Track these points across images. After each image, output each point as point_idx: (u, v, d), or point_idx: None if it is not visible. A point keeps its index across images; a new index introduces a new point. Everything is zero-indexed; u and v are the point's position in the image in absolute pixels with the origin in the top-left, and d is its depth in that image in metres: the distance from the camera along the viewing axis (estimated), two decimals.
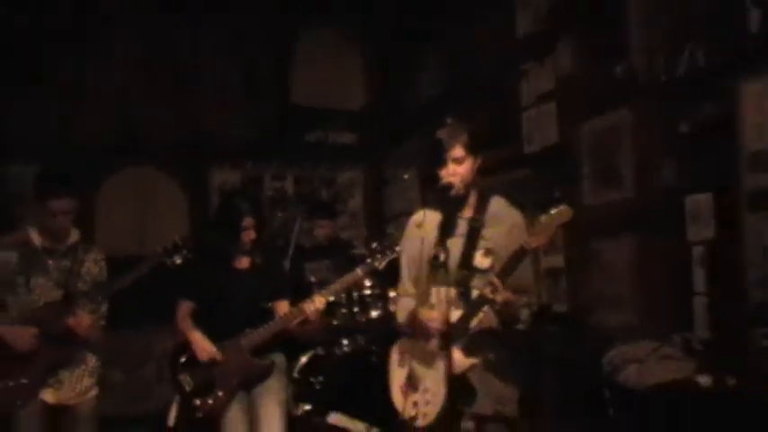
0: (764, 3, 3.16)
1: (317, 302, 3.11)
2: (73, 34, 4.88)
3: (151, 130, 5.08)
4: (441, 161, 2.50)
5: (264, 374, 3.21)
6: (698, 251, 3.41)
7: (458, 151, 2.49)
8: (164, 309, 3.28)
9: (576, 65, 4.17)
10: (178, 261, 3.11)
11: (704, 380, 3.09)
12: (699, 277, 3.43)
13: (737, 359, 3.18)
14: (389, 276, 3.62)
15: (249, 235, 3.23)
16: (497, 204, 2.61)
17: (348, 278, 3.16)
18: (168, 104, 5.15)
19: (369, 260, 3.14)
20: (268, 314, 3.25)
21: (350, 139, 6.06)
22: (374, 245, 3.18)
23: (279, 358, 3.29)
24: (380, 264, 3.13)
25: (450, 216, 2.55)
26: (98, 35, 4.96)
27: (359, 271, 3.12)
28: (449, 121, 2.56)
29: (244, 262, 3.32)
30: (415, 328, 2.52)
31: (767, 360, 3.08)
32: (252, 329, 3.19)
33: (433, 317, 2.44)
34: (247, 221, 3.20)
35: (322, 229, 4.79)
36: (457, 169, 2.50)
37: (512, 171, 4.53)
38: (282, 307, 3.26)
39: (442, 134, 2.51)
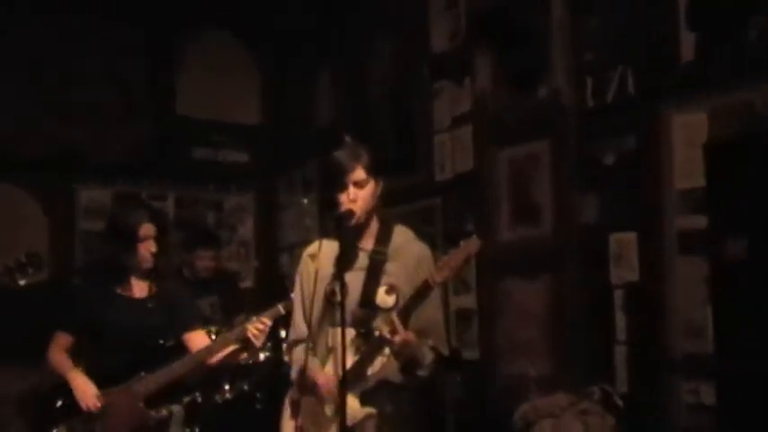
0: (700, 27, 3.16)
1: (258, 324, 2.86)
2: None
3: (17, 146, 5.02)
4: (340, 185, 2.49)
5: (159, 430, 2.95)
6: (620, 295, 3.44)
7: (358, 173, 2.49)
8: (31, 341, 3.05)
9: (495, 86, 4.20)
10: (22, 282, 2.78)
11: None
12: (620, 324, 3.43)
13: (660, 415, 3.21)
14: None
15: (148, 247, 2.95)
16: (402, 235, 2.61)
17: (272, 313, 2.92)
18: (36, 119, 5.12)
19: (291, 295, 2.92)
20: (170, 352, 2.98)
21: (242, 157, 6.08)
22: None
23: (177, 410, 3.02)
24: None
25: (350, 247, 2.52)
26: None
27: (281, 307, 2.90)
28: (348, 140, 2.60)
29: (140, 287, 3.03)
30: (307, 387, 2.48)
31: (692, 417, 3.10)
32: (148, 372, 2.91)
33: (322, 380, 2.45)
34: (146, 230, 2.94)
35: (202, 261, 4.70)
36: (357, 193, 2.49)
37: (420, 200, 4.58)
38: (198, 339, 3.02)
39: (340, 155, 2.51)
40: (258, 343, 2.91)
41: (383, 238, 2.59)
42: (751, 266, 2.46)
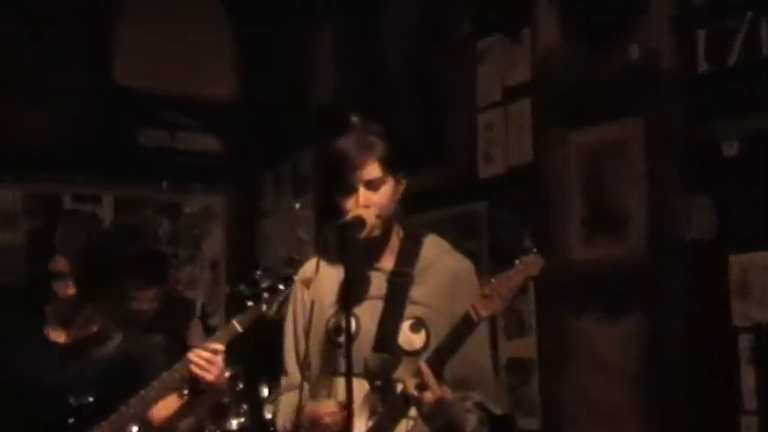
0: None
1: (202, 352, 2.95)
2: None
3: None
4: (345, 186, 2.55)
5: None
6: (747, 342, 3.36)
7: (371, 170, 2.54)
8: None
9: (565, 43, 4.19)
10: None
11: None
12: (748, 383, 3.35)
13: None
14: (262, 365, 3.76)
15: (63, 289, 3.08)
16: (434, 249, 2.67)
17: (220, 337, 3.03)
18: None
19: (250, 304, 3.06)
20: (93, 411, 3.07)
21: (209, 144, 6.15)
22: (257, 276, 3.13)
23: None
24: (271, 310, 3.06)
25: (360, 269, 2.57)
26: None
27: (236, 324, 3.02)
28: (355, 121, 2.63)
29: (58, 331, 3.17)
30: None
31: None
32: None
33: (328, 411, 2.47)
34: (58, 265, 3.07)
35: (137, 302, 4.57)
36: (371, 197, 2.53)
37: (458, 204, 4.63)
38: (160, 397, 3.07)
39: (347, 144, 2.57)
40: (210, 377, 2.98)
41: (407, 253, 2.64)
42: None
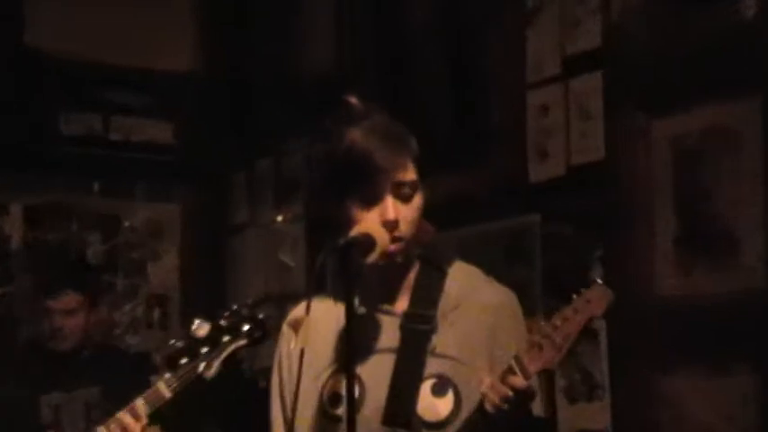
0: None
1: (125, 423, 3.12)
2: None
3: None
4: (366, 193, 2.54)
5: None
6: None
7: (406, 171, 2.57)
8: None
9: None
10: None
11: None
12: None
13: None
14: None
15: None
16: (463, 280, 2.68)
17: (141, 405, 3.17)
18: None
19: (183, 362, 3.14)
20: None
21: (160, 134, 6.27)
22: (194, 326, 3.16)
23: None
24: (211, 370, 3.14)
25: (368, 309, 2.61)
26: None
27: (162, 388, 3.13)
28: (354, 102, 2.65)
29: None
30: None
31: None
32: None
33: None
34: None
35: (62, 320, 4.78)
36: (402, 210, 2.54)
37: (499, 217, 4.67)
38: None
39: (368, 135, 2.56)
40: None
41: (427, 288, 2.65)
42: None
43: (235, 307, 3.29)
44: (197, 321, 3.20)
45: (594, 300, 2.41)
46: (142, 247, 6.47)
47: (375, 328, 2.64)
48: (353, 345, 2.47)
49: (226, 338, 3.17)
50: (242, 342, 3.18)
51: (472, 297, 2.68)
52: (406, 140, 2.61)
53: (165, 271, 6.53)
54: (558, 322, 2.41)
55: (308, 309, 2.50)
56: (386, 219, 2.51)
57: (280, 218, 6.03)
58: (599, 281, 2.46)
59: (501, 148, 4.75)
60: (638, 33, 4.24)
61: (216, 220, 6.55)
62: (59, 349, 4.87)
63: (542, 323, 2.43)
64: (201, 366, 3.17)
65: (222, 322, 3.21)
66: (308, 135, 5.54)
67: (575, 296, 2.42)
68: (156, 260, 6.49)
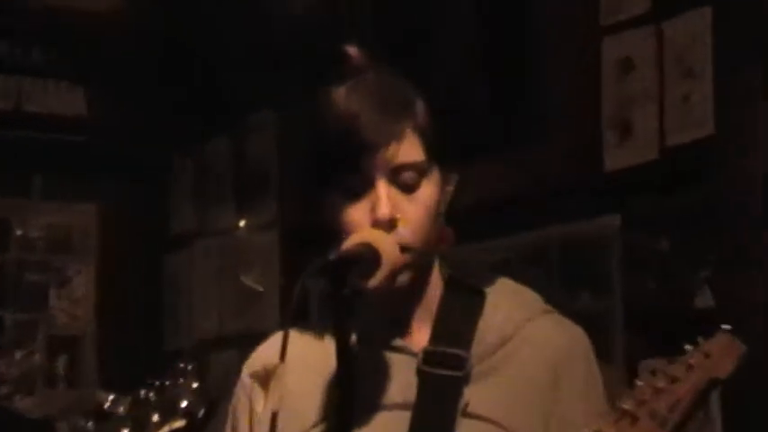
0: None
1: None
2: None
3: None
4: (352, 178, 2.42)
5: None
6: None
7: (407, 149, 2.43)
8: None
9: None
10: None
11: None
12: None
13: None
14: None
15: None
16: (510, 307, 2.55)
17: None
18: None
19: None
20: None
21: (68, 100, 6.57)
22: (109, 402, 2.99)
23: None
24: None
25: (371, 347, 2.45)
26: None
27: None
28: (352, 52, 2.56)
29: None
30: None
31: None
32: None
33: None
34: None
35: None
36: (402, 205, 2.41)
37: (561, 219, 4.71)
38: None
39: (355, 96, 2.47)
40: None
41: (457, 318, 2.55)
42: None
43: (173, 370, 3.00)
44: (111, 396, 3.03)
45: (717, 354, 2.18)
46: (42, 266, 6.62)
47: (381, 374, 2.46)
48: (350, 399, 2.25)
49: (155, 417, 2.99)
50: (178, 423, 2.95)
51: (523, 334, 2.48)
52: (408, 103, 2.45)
53: (74, 302, 6.67)
54: (662, 383, 2.17)
55: (282, 353, 2.22)
56: (376, 216, 2.34)
57: (242, 223, 6.15)
58: (725, 326, 2.15)
59: (561, 125, 4.75)
60: None
61: (150, 227, 6.71)
62: None
63: (638, 383, 2.18)
64: None
65: (150, 394, 3.00)
66: (281, 105, 5.87)
67: (688, 347, 2.15)
68: (62, 286, 6.63)
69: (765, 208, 4.19)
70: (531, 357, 2.47)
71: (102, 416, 4.08)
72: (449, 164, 2.46)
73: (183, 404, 2.93)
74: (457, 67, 5.14)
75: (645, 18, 4.58)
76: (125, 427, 2.97)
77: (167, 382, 3.03)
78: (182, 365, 3.10)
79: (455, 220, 2.50)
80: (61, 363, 6.60)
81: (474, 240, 3.04)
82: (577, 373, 2.48)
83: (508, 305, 2.53)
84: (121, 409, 3.03)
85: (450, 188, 2.49)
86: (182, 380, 3.01)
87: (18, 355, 6.21)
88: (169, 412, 2.98)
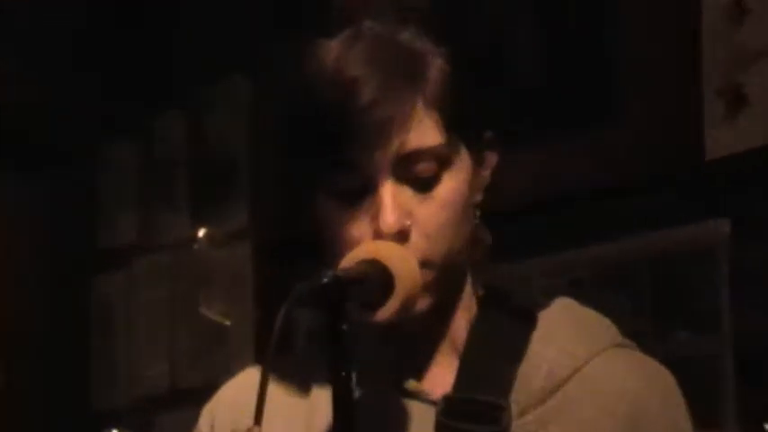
0: None
1: None
2: None
3: None
4: (341, 184, 2.39)
5: None
6: None
7: (420, 130, 2.40)
8: None
9: None
10: None
11: None
12: None
13: None
14: None
15: None
16: (571, 341, 2.54)
17: None
18: None
19: None
20: None
21: None
22: None
23: None
24: None
25: (375, 390, 2.40)
26: None
27: None
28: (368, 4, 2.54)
29: None
30: None
31: None
32: None
33: None
34: None
35: None
36: (416, 208, 2.39)
37: (642, 224, 4.66)
38: None
39: (345, 61, 2.44)
40: None
41: (492, 354, 2.54)
42: None
43: None
44: None
45: None
46: None
47: (389, 428, 2.41)
48: None
49: None
50: None
51: (585, 375, 2.42)
52: (420, 62, 2.35)
53: None
54: None
55: (258, 412, 2.02)
56: (379, 227, 2.27)
57: (201, 233, 6.06)
58: None
59: (645, 97, 4.62)
60: None
61: (73, 241, 6.56)
62: None
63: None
64: None
65: None
66: (254, 69, 5.78)
67: None
68: None
69: None
70: (593, 407, 2.38)
71: None
72: (485, 143, 2.40)
73: None
74: (504, 36, 4.99)
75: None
76: None
77: None
78: None
79: (495, 222, 2.45)
80: None
81: (522, 254, 3.07)
82: (658, 428, 2.39)
83: (565, 335, 2.47)
84: None
85: (487, 172, 2.43)
86: None
87: None
88: None
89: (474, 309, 2.47)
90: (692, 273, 4.56)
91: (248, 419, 2.05)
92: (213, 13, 6.21)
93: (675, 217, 4.52)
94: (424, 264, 2.24)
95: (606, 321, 2.51)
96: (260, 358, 2.80)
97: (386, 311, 2.16)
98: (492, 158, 2.41)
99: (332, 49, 2.34)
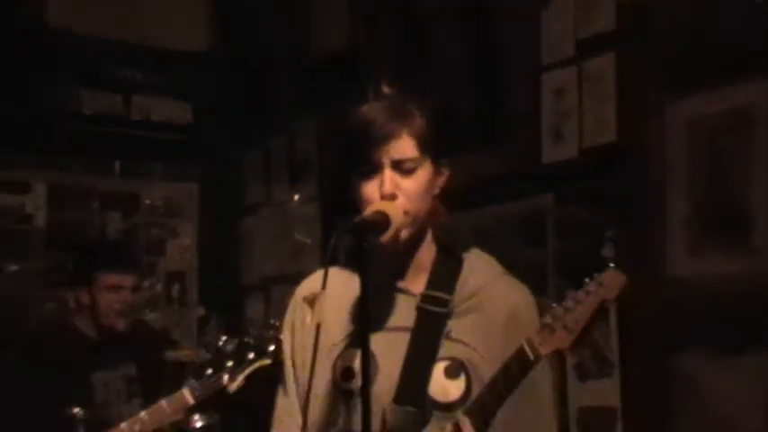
0: None
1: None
2: None
3: None
4: (366, 164, 2.55)
5: None
6: None
7: (404, 146, 2.55)
8: None
9: None
10: None
11: None
12: None
13: None
14: (248, 401, 3.69)
15: None
16: (481, 270, 2.71)
17: (146, 417, 3.41)
18: None
19: (209, 372, 3.34)
20: None
21: (178, 113, 6.39)
22: (222, 341, 3.39)
23: None
24: (234, 384, 3.31)
25: (382, 287, 2.59)
26: None
27: (186, 394, 3.37)
28: (386, 89, 2.71)
29: None
30: None
31: None
32: None
33: None
34: None
35: (112, 296, 4.87)
36: (400, 182, 2.54)
37: (513, 198, 4.72)
38: None
39: (372, 110, 2.59)
40: None
41: (444, 273, 2.66)
42: None
43: (264, 325, 3.40)
44: (224, 337, 3.37)
45: (607, 283, 2.42)
46: (161, 225, 6.54)
47: (390, 307, 2.60)
48: (367, 322, 2.43)
49: (251, 355, 3.28)
50: (266, 361, 3.27)
51: (489, 291, 2.65)
52: (408, 114, 2.55)
53: (182, 248, 6.60)
54: (570, 305, 2.41)
55: (324, 284, 2.44)
56: (382, 192, 2.48)
57: (296, 197, 6.05)
58: (612, 265, 2.44)
59: (515, 131, 4.72)
60: (651, 16, 4.13)
61: (231, 199, 6.59)
62: (107, 325, 4.90)
63: (554, 305, 2.43)
64: (225, 379, 3.32)
65: (249, 340, 3.32)
66: (321, 113, 5.67)
67: (587, 279, 2.41)
68: (174, 238, 6.56)
69: (650, 190, 4.16)
70: (493, 309, 2.62)
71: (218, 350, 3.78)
72: (442, 161, 2.57)
73: (270, 348, 3.21)
74: (447, 92, 5.00)
75: (571, 60, 4.53)
76: (230, 360, 3.34)
77: (261, 332, 3.35)
78: (271, 322, 3.36)
79: (450, 197, 2.65)
80: (175, 289, 6.58)
81: (458, 210, 2.79)
82: (524, 322, 2.60)
83: (478, 269, 2.67)
84: (230, 347, 3.38)
85: (443, 178, 2.59)
86: (271, 331, 3.23)
87: (146, 284, 6.16)
88: (261, 353, 3.26)
89: (434, 250, 2.66)
90: (532, 223, 4.60)
91: (317, 291, 2.49)
92: (301, 88, 6.00)
93: (525, 194, 4.63)
94: (405, 213, 2.47)
95: (494, 260, 2.74)
96: (323, 264, 2.93)
97: (386, 236, 2.42)
98: (445, 174, 2.60)
99: (366, 105, 2.57)
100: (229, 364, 3.32)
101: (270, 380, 3.35)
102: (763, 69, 3.78)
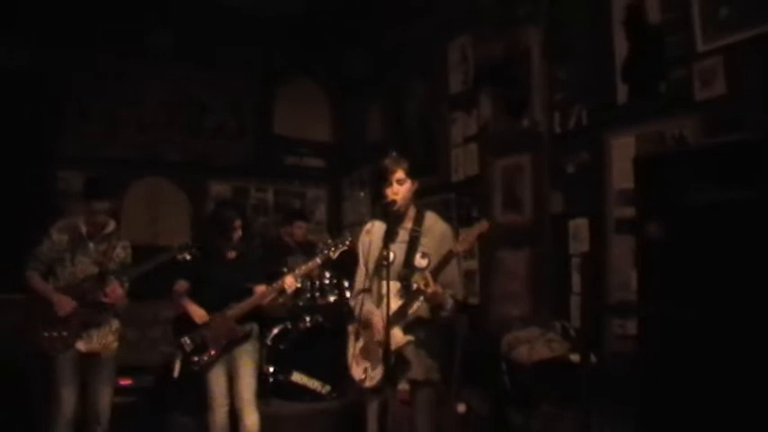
0: (630, 80, 3.68)
1: (287, 281, 3.47)
2: (113, 78, 5.78)
3: (167, 152, 6.03)
4: (386, 183, 2.78)
5: (245, 338, 3.59)
6: (576, 261, 3.88)
7: (400, 173, 2.78)
8: (166, 286, 3.72)
9: (494, 116, 4.61)
10: (187, 257, 3.56)
11: (575, 357, 3.55)
12: (575, 281, 3.90)
13: (599, 342, 3.65)
14: (343, 269, 4.21)
15: (237, 234, 3.65)
16: (431, 218, 2.89)
17: (309, 264, 3.47)
18: (180, 133, 6.08)
19: (325, 250, 3.48)
20: (248, 293, 3.64)
21: (318, 163, 6.79)
22: (329, 240, 3.56)
23: (254, 327, 3.67)
24: (334, 254, 3.44)
25: (394, 227, 2.83)
26: (131, 79, 5.86)
27: (317, 258, 3.43)
28: (393, 153, 2.89)
29: (231, 254, 3.72)
30: (365, 322, 2.84)
31: (620, 343, 3.53)
32: (235, 303, 3.59)
33: (378, 317, 2.70)
34: (237, 223, 3.65)
35: (300, 229, 5.22)
36: (399, 189, 2.77)
37: (441, 194, 4.97)
38: (260, 288, 3.67)
39: (388, 161, 2.80)
40: (290, 291, 3.44)
41: (418, 220, 2.84)
42: (664, 243, 2.79)
43: (346, 236, 3.53)
44: (346, 232, 3.50)
45: (483, 225, 2.62)
46: (313, 204, 6.53)
47: (397, 234, 2.73)
48: (389, 241, 2.61)
49: (339, 244, 3.45)
50: (344, 248, 3.43)
51: (434, 225, 2.76)
52: (402, 162, 2.70)
53: (321, 213, 6.64)
54: (468, 234, 2.58)
55: (372, 226, 2.77)
56: (392, 192, 2.63)
57: (362, 193, 6.23)
58: (484, 219, 2.66)
59: (442, 169, 4.98)
60: (490, 128, 4.41)
61: (338, 194, 6.74)
62: (297, 241, 5.01)
63: (464, 233, 2.59)
64: (332, 251, 3.44)
65: (340, 238, 3.49)
66: (370, 163, 5.84)
67: (476, 223, 2.62)
68: (318, 208, 6.65)
69: (487, 196, 4.35)
70: (437, 233, 2.76)
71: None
72: (413, 180, 2.76)
73: (347, 241, 3.38)
74: (416, 154, 5.09)
75: (461, 144, 4.64)
76: (334, 245, 3.37)
77: (345, 237, 3.42)
78: (347, 232, 3.75)
79: (417, 193, 2.80)
80: (323, 226, 6.57)
81: (420, 198, 2.81)
82: (448, 237, 2.75)
83: (431, 218, 2.79)
84: (335, 240, 3.42)
85: (415, 186, 2.76)
86: (349, 237, 3.38)
87: (309, 226, 5.59)
88: (342, 243, 3.39)
89: (414, 212, 2.75)
90: (447, 204, 4.77)
91: (371, 229, 2.77)
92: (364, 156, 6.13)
93: (445, 193, 4.84)
94: (402, 199, 2.66)
95: (436, 214, 2.79)
96: (372, 217, 2.94)
97: (395, 207, 2.62)
98: (415, 184, 2.73)
99: (386, 159, 2.72)
100: (332, 247, 3.39)
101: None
102: (527, 150, 3.93)
